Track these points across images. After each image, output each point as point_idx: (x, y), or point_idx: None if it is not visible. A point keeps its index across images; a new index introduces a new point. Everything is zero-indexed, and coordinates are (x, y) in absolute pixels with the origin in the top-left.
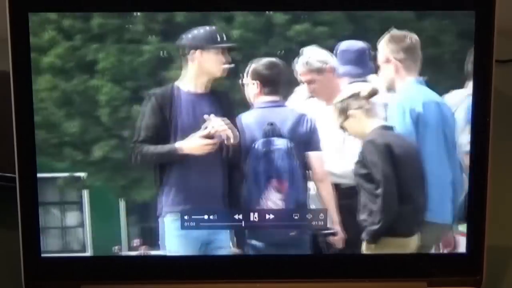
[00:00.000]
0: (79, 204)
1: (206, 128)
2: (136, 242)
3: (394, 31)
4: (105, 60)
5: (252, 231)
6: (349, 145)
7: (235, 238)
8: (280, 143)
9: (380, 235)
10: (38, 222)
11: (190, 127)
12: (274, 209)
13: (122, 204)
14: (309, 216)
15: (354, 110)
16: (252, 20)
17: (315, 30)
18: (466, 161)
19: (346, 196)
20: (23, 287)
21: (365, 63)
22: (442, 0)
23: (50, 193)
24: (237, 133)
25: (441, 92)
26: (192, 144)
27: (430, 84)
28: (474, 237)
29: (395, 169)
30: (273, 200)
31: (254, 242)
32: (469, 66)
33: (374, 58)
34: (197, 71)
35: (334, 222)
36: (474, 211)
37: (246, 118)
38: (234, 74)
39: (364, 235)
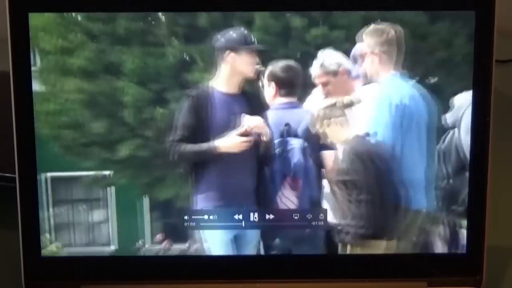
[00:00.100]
0: (105, 201)
1: (242, 126)
2: (159, 237)
3: (374, 25)
4: (130, 63)
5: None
6: None
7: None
8: (295, 143)
9: (365, 239)
10: (38, 222)
11: (225, 126)
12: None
13: (146, 201)
14: (309, 216)
15: (335, 118)
16: (271, 24)
17: (332, 34)
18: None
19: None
20: (23, 287)
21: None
22: (442, 0)
23: (78, 191)
24: (268, 130)
25: (449, 95)
26: (230, 142)
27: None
28: (474, 237)
29: (375, 174)
30: (289, 197)
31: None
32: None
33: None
34: (230, 72)
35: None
36: (474, 211)
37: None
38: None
39: (348, 239)
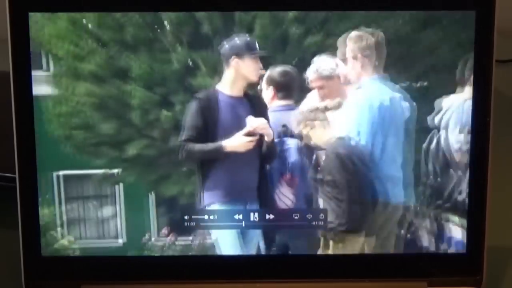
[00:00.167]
0: (114, 197)
1: (247, 127)
2: (164, 231)
3: (355, 31)
4: (138, 68)
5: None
6: None
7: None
8: (292, 143)
9: (345, 235)
10: (38, 222)
11: (230, 127)
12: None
13: (152, 197)
14: (309, 216)
15: (317, 121)
16: (270, 32)
17: (326, 41)
18: (457, 158)
19: None
20: (23, 287)
21: None
22: (442, 0)
23: (89, 188)
24: (271, 131)
25: (434, 97)
26: (236, 142)
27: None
28: (474, 237)
29: (353, 175)
30: (286, 195)
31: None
32: (466, 71)
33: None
34: (235, 76)
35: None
36: (474, 211)
37: None
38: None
39: (331, 235)
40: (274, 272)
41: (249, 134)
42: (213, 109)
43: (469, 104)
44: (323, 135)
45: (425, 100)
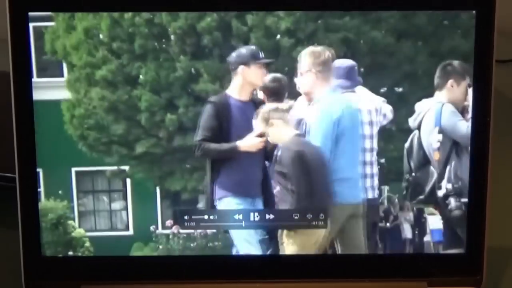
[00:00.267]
0: (123, 192)
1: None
2: (169, 222)
3: (312, 47)
4: (146, 74)
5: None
6: None
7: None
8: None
9: (298, 226)
10: (38, 222)
11: (241, 128)
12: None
13: (158, 191)
14: (309, 216)
15: (275, 120)
16: (264, 43)
17: None
18: (435, 156)
19: None
20: (23, 287)
21: (353, 77)
22: (442, 0)
23: (100, 183)
24: None
25: (413, 101)
26: (249, 142)
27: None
28: (474, 237)
29: (306, 169)
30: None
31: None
32: (436, 77)
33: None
34: (242, 82)
35: None
36: (474, 211)
37: None
38: None
39: (285, 225)
40: (274, 272)
41: (260, 135)
42: (226, 112)
43: (446, 106)
44: (281, 132)
45: (404, 103)
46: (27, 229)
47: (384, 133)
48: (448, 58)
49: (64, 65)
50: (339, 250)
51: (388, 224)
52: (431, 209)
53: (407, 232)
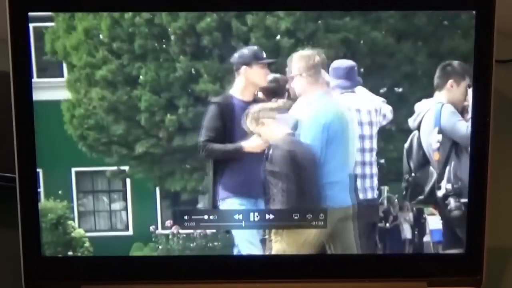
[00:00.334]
0: (123, 192)
1: None
2: (168, 222)
3: (302, 51)
4: (146, 75)
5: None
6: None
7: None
8: None
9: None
10: (38, 222)
11: (245, 129)
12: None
13: (157, 192)
14: (309, 216)
15: (266, 119)
16: (264, 43)
17: None
18: (434, 157)
19: None
20: (23, 287)
21: (353, 78)
22: (442, 0)
23: (100, 183)
24: None
25: (413, 102)
26: (254, 143)
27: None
28: (473, 237)
29: (297, 168)
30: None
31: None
32: (436, 78)
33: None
34: (245, 83)
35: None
36: (474, 211)
37: None
38: None
39: (274, 224)
40: (274, 272)
41: None
42: (229, 113)
43: (446, 107)
44: (272, 132)
45: (404, 104)
46: (27, 229)
47: (384, 134)
48: (447, 59)
49: (64, 66)
50: (329, 250)
51: (387, 225)
52: (430, 210)
53: (407, 232)
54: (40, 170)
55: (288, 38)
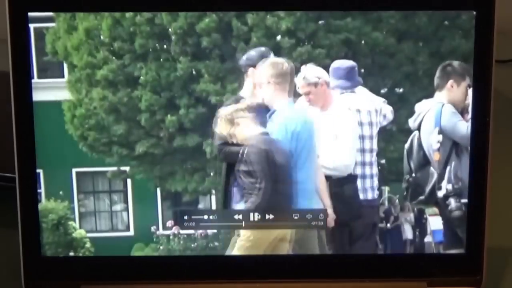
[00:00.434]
0: (124, 192)
1: None
2: (169, 223)
3: (271, 59)
4: (146, 75)
5: None
6: (337, 145)
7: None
8: None
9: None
10: (38, 222)
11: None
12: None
13: (158, 192)
14: (309, 216)
15: (240, 119)
16: (264, 43)
17: (313, 52)
18: (435, 157)
19: (336, 185)
20: (23, 287)
21: (353, 78)
22: (442, 0)
23: (101, 184)
24: None
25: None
26: None
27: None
28: (473, 237)
29: (270, 167)
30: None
31: None
32: (436, 78)
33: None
34: (253, 84)
35: (327, 206)
36: (474, 211)
37: None
38: None
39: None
40: (274, 272)
41: None
42: None
43: (446, 107)
44: (245, 132)
45: (404, 104)
46: (27, 229)
47: (384, 134)
48: (448, 59)
49: (65, 66)
50: (293, 251)
51: (388, 225)
52: (431, 210)
53: (408, 232)
54: (40, 171)
55: (289, 38)
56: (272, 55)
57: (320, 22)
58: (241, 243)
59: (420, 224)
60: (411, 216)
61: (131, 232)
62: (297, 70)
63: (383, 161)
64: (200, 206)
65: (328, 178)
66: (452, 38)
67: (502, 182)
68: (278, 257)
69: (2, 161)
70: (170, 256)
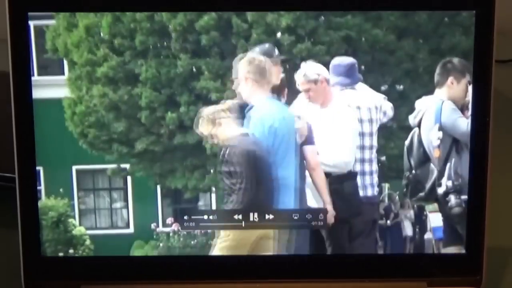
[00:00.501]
0: (124, 190)
1: None
2: (169, 220)
3: (250, 55)
4: (146, 72)
5: None
6: (337, 142)
7: None
8: None
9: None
10: (37, 222)
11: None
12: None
13: (158, 189)
14: (308, 216)
15: (222, 119)
16: (265, 39)
17: (313, 49)
18: (435, 154)
19: (336, 182)
20: (23, 287)
21: (353, 75)
22: (442, 0)
23: (101, 181)
24: None
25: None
26: None
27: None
28: (474, 237)
29: (251, 168)
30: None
31: None
32: (436, 75)
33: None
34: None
35: (326, 203)
36: (474, 211)
37: None
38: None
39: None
40: (274, 272)
41: None
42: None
43: (446, 103)
44: (226, 132)
45: (404, 101)
46: (27, 229)
47: (384, 131)
48: (448, 56)
49: (65, 63)
50: (275, 252)
51: (388, 222)
52: (431, 207)
53: (408, 229)
54: (40, 168)
55: (289, 35)
56: (276, 51)
57: (320, 19)
58: (221, 245)
59: (420, 221)
60: (411, 213)
61: (131, 229)
62: (297, 67)
63: (383, 158)
64: (200, 203)
65: (327, 175)
66: (452, 35)
67: (502, 182)
68: (278, 257)
69: (2, 161)
70: (170, 256)
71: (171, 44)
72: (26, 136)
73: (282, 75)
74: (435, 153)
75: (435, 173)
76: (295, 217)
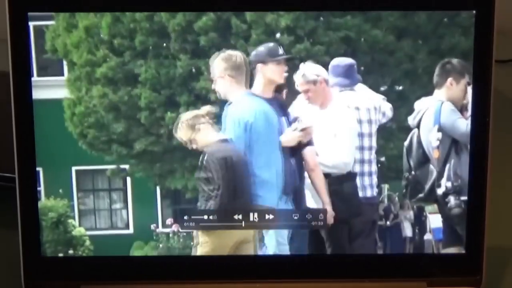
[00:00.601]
0: (123, 190)
1: (298, 123)
2: (169, 221)
3: (223, 53)
4: (146, 72)
5: None
6: (336, 143)
7: None
8: None
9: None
10: (38, 222)
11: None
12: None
13: (158, 190)
14: (308, 216)
15: (201, 125)
16: (264, 40)
17: (312, 49)
18: (434, 155)
19: (335, 182)
20: (23, 287)
21: (352, 75)
22: (442, 0)
23: (101, 182)
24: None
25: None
26: (290, 137)
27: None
28: (473, 237)
29: (229, 173)
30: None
31: None
32: (435, 76)
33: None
34: (264, 80)
35: (326, 204)
36: (474, 211)
37: None
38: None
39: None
40: (274, 272)
41: (302, 129)
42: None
43: (445, 104)
44: (206, 138)
45: (404, 101)
46: (27, 229)
47: (384, 132)
48: (447, 56)
49: (65, 64)
50: (259, 252)
51: (388, 223)
52: (431, 207)
53: (407, 230)
54: (40, 169)
55: (288, 35)
56: (281, 50)
57: (319, 19)
58: (202, 250)
59: (419, 222)
60: (410, 214)
61: (131, 230)
62: (296, 68)
63: (382, 159)
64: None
65: (327, 176)
66: (451, 36)
67: (502, 182)
68: (278, 257)
69: (2, 161)
70: (170, 256)
71: (170, 44)
72: (26, 136)
73: (286, 74)
74: (434, 154)
75: (435, 174)
76: (295, 217)
